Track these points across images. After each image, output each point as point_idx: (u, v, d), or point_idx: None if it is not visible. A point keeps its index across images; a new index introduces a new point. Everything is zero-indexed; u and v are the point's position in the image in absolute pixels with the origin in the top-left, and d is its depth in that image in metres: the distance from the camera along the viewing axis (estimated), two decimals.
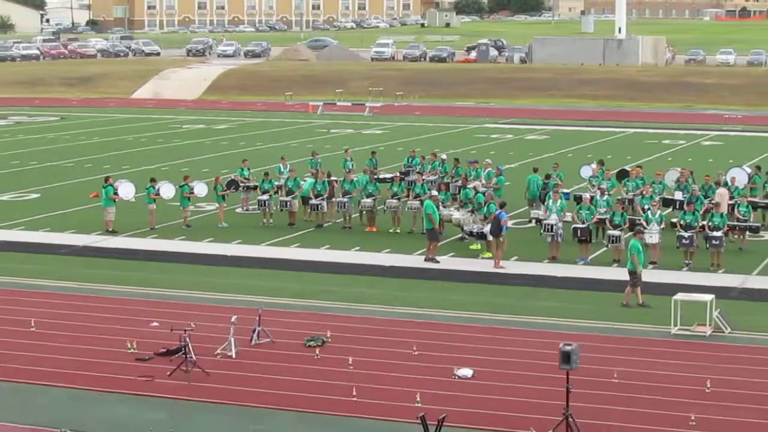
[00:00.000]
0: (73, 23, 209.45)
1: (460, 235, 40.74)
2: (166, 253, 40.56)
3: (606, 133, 75.43)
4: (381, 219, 44.21)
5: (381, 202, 44.51)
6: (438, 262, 38.60)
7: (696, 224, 38.89)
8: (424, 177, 47.13)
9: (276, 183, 45.85)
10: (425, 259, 38.82)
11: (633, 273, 32.87)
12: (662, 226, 38.76)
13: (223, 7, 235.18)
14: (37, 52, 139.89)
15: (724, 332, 30.48)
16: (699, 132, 77.45)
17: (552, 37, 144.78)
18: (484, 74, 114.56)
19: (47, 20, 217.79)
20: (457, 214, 41.09)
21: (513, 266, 37.95)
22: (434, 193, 42.00)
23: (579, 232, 39.48)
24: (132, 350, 28.37)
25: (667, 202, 42.83)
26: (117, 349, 28.59)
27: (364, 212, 44.32)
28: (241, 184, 47.23)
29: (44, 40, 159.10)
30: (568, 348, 23.06)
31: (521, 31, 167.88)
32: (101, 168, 57.01)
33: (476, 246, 39.60)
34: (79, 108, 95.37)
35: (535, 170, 48.37)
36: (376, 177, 47.16)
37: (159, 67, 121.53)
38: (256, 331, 29.15)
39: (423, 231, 41.02)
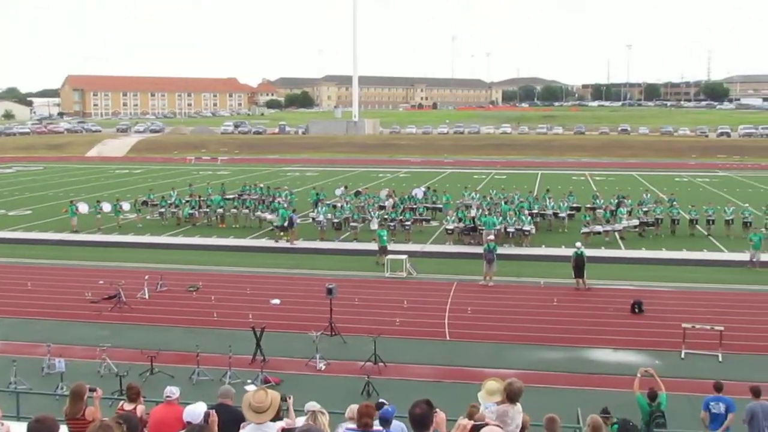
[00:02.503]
0: (49, 114, 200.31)
1: (271, 228, 40.45)
2: (107, 242, 39.14)
3: (348, 171, 75.82)
4: (228, 220, 43.64)
5: (228, 211, 44.01)
6: (279, 242, 38.10)
7: (396, 218, 39.68)
8: (251, 196, 46.81)
9: (168, 201, 44.98)
10: (276, 241, 38.15)
11: (382, 247, 33.21)
12: (378, 219, 39.31)
13: (137, 105, 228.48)
14: (29, 130, 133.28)
15: (413, 275, 31.18)
16: (398, 170, 78.50)
17: (319, 120, 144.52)
18: (283, 141, 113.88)
19: (34, 112, 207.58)
20: (270, 216, 40.84)
21: (301, 243, 37.85)
22: (285, 205, 41.86)
23: (335, 224, 39.79)
24: (88, 296, 27.55)
25: (381, 207, 43.31)
26: (79, 296, 27.71)
27: (218, 216, 43.69)
28: (149, 203, 46.32)
29: (32, 124, 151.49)
30: (330, 286, 23.39)
31: (303, 117, 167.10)
32: (68, 195, 54.61)
33: (281, 234, 39.42)
34: (54, 162, 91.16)
35: (313, 187, 48.83)
36: (225, 197, 46.54)
37: (100, 138, 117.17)
38: (159, 283, 28.64)
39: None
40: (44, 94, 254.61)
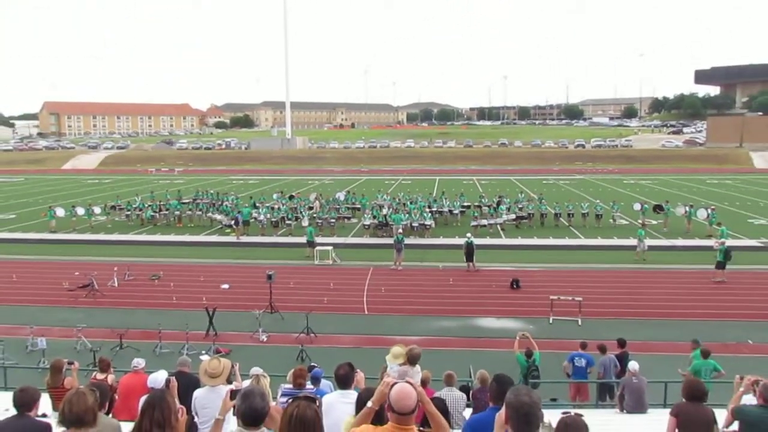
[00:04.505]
0: (30, 134, 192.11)
1: (220, 226, 39.67)
2: (81, 240, 37.71)
3: (283, 179, 75.08)
4: (184, 221, 42.60)
5: (184, 213, 42.99)
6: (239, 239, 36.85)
7: (323, 216, 39.33)
8: (203, 200, 45.61)
9: (133, 205, 43.77)
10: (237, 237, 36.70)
11: (309, 241, 32.58)
12: (308, 218, 38.82)
13: (105, 126, 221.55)
14: (11, 148, 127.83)
15: (337, 262, 31.05)
16: (324, 177, 78.16)
17: (259, 138, 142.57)
18: (229, 154, 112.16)
19: (16, 132, 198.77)
20: (219, 216, 40.01)
21: (245, 238, 36.95)
22: (231, 207, 41.05)
23: (273, 222, 39.17)
24: (65, 286, 26.56)
25: (310, 208, 42.76)
26: (58, 286, 26.71)
27: (175, 217, 42.41)
28: (117, 207, 44.99)
29: (15, 142, 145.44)
30: (270, 272, 23.15)
31: (246, 135, 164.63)
32: (47, 201, 52.64)
33: (229, 231, 38.70)
34: (35, 174, 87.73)
35: (238, 198, 48.07)
36: (181, 201, 45.47)
37: (74, 154, 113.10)
38: (126, 274, 27.87)
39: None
40: (24, 117, 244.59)
